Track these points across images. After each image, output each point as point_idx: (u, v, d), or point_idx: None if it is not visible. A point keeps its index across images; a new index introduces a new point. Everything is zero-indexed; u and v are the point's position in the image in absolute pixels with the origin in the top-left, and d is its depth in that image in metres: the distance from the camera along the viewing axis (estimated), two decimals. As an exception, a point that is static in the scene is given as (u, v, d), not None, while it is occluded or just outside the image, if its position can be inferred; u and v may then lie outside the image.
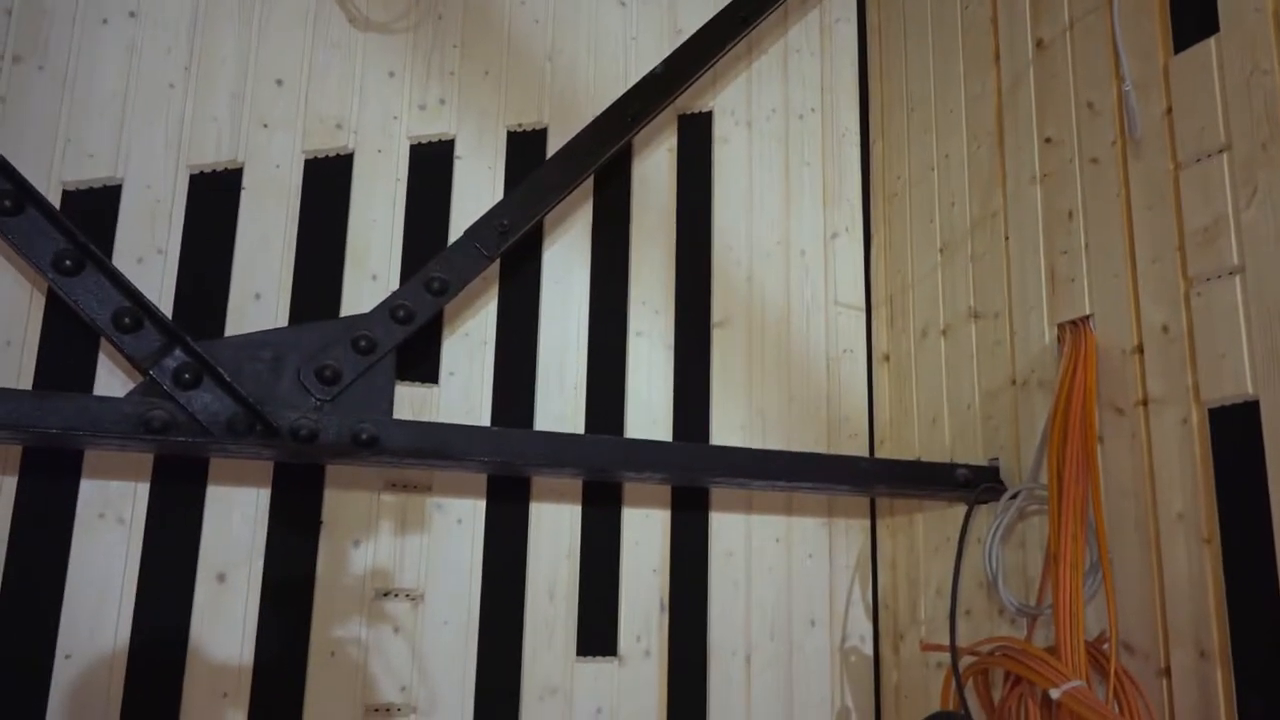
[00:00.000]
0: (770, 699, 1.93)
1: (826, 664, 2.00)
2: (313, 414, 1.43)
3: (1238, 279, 1.41)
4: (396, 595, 1.72)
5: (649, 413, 1.94)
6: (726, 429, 1.99)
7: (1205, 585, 1.39)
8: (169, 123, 1.74)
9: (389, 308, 1.55)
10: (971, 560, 1.77)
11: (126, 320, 1.35)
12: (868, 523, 2.09)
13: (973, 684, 1.64)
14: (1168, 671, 1.43)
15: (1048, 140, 1.79)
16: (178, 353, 1.37)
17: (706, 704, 1.89)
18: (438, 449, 1.47)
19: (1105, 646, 1.46)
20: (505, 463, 1.53)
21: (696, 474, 1.68)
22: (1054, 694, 1.38)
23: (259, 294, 1.73)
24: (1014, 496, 1.60)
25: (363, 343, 1.50)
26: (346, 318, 1.57)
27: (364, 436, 1.43)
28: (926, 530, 1.96)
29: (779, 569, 1.99)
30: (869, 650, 2.04)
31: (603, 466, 1.60)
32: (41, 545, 1.54)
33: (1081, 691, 1.38)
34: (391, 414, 1.50)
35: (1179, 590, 1.42)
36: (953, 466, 1.75)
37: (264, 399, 1.40)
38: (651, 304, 2.00)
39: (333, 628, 1.67)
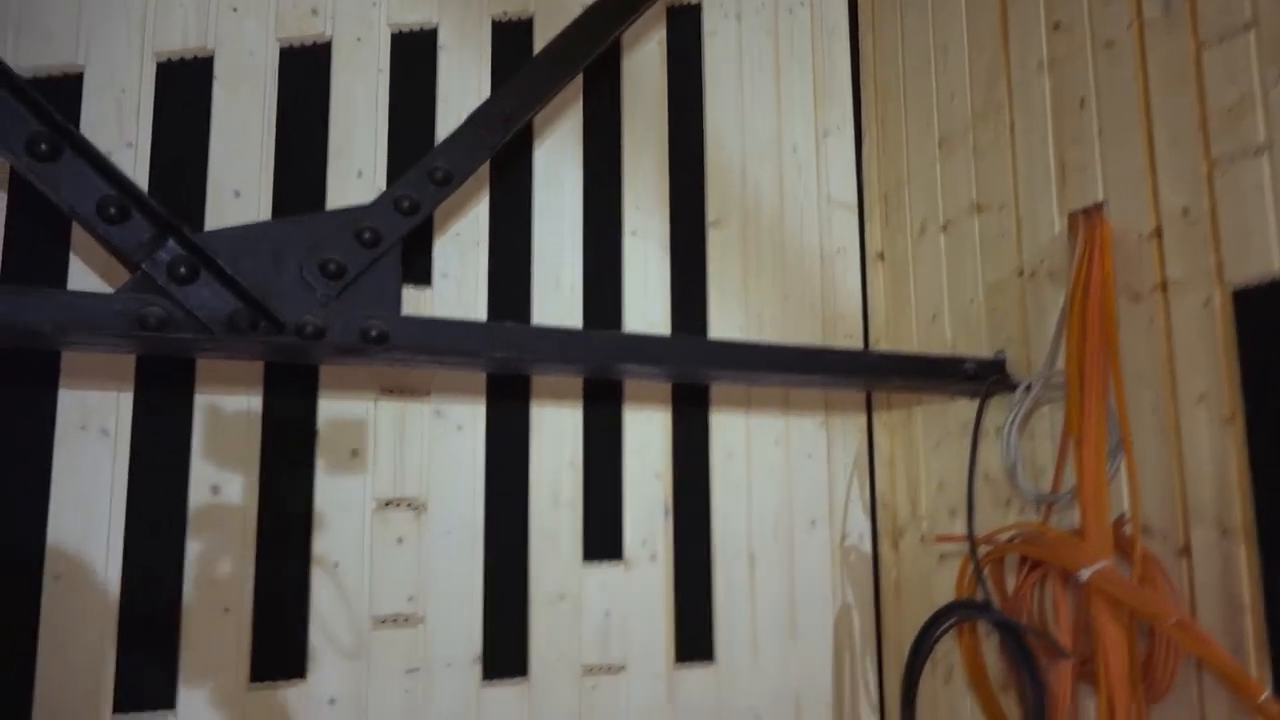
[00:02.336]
0: (774, 599, 1.93)
1: (827, 563, 1.99)
2: (318, 310, 1.34)
3: (1265, 157, 1.40)
4: (398, 505, 1.66)
5: (646, 313, 1.89)
6: (724, 329, 1.95)
7: (1228, 464, 1.40)
8: (130, 6, 1.60)
9: (392, 199, 1.46)
10: (980, 451, 1.77)
11: (112, 210, 1.24)
12: (864, 421, 2.08)
13: (986, 574, 1.64)
14: (1188, 551, 1.44)
15: (1056, 26, 1.75)
16: (171, 244, 1.27)
17: (712, 606, 1.88)
18: (453, 345, 1.39)
19: (1125, 529, 1.47)
20: (518, 360, 1.46)
21: (702, 368, 1.62)
22: (1083, 575, 1.39)
23: (238, 191, 1.63)
24: (1030, 386, 1.59)
25: (366, 235, 1.41)
26: (346, 209, 1.47)
27: (374, 333, 1.35)
28: (925, 427, 1.96)
29: (778, 470, 1.97)
30: (868, 548, 2.04)
31: (611, 360, 1.54)
32: (20, 462, 1.44)
33: (1110, 571, 1.39)
34: (400, 311, 1.42)
35: (1200, 471, 1.43)
36: (959, 360, 1.74)
37: (265, 294, 1.31)
38: (646, 203, 1.93)
39: (334, 539, 1.61)
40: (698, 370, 1.65)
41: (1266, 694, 1.23)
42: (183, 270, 1.26)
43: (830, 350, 1.78)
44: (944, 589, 1.88)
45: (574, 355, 1.52)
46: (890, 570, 2.02)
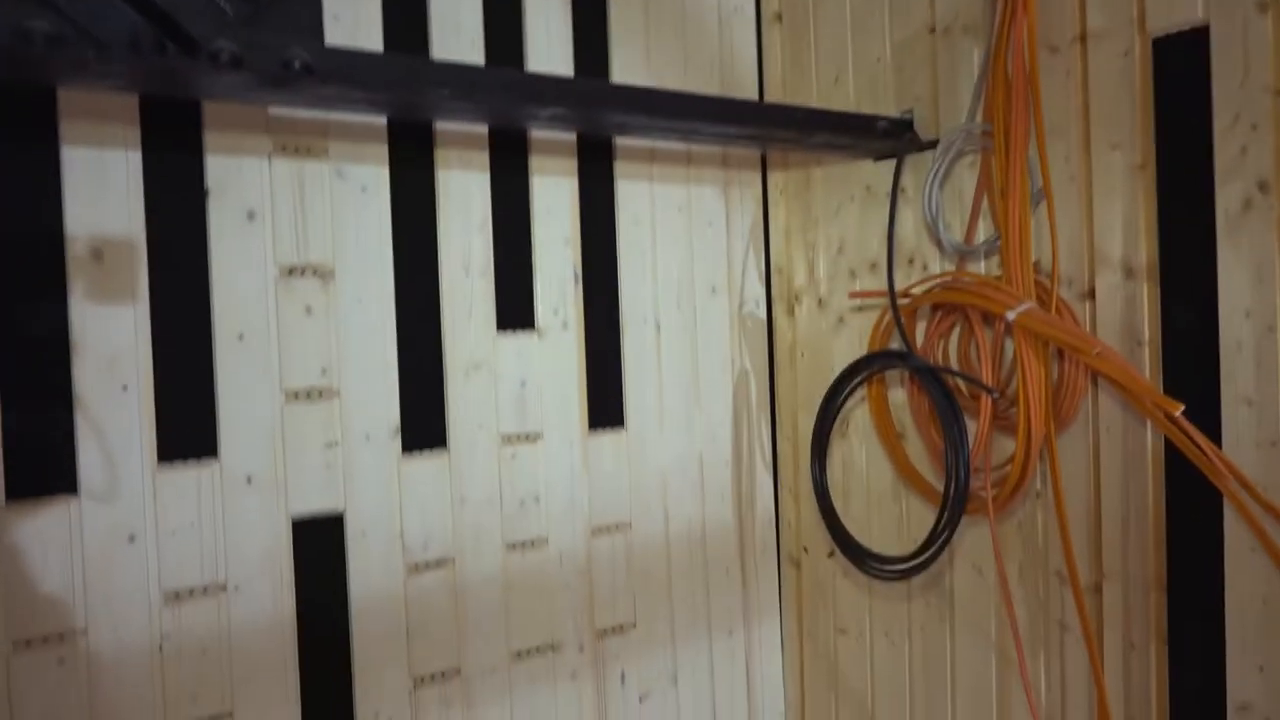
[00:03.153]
0: (678, 363, 1.94)
1: (726, 330, 2.02)
2: (231, 34, 1.16)
3: (1193, -97, 1.42)
4: (303, 272, 1.53)
5: (549, 66, 1.77)
6: (629, 91, 1.86)
7: (1137, 209, 1.49)
8: None
9: (302, -89, 1.26)
10: (882, 213, 1.81)
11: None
12: (760, 192, 2.07)
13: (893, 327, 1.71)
14: (1092, 294, 1.54)
15: None
16: (50, -54, 1.05)
17: (622, 371, 1.87)
18: (397, 80, 1.25)
19: (1040, 277, 1.55)
20: (464, 100, 1.33)
21: (606, 112, 1.50)
22: (1010, 316, 1.46)
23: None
24: (953, 141, 1.61)
25: (278, -50, 1.22)
26: (247, -80, 1.26)
27: (297, 64, 1.19)
28: (824, 193, 1.97)
29: (681, 238, 1.95)
30: (763, 314, 2.08)
31: (529, 99, 1.41)
32: None
33: (1035, 311, 1.46)
34: (323, 41, 1.26)
35: (1109, 216, 1.51)
36: (872, 118, 1.74)
37: (175, 9, 1.11)
38: (547, -54, 1.77)
39: (236, 309, 1.47)
40: (601, 115, 1.52)
41: (1181, 409, 1.35)
42: (67, -22, 1.05)
43: (740, 102, 1.73)
44: (840, 351, 1.95)
45: (499, 92, 1.39)
46: (785, 335, 2.08)
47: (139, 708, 1.38)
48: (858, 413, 1.91)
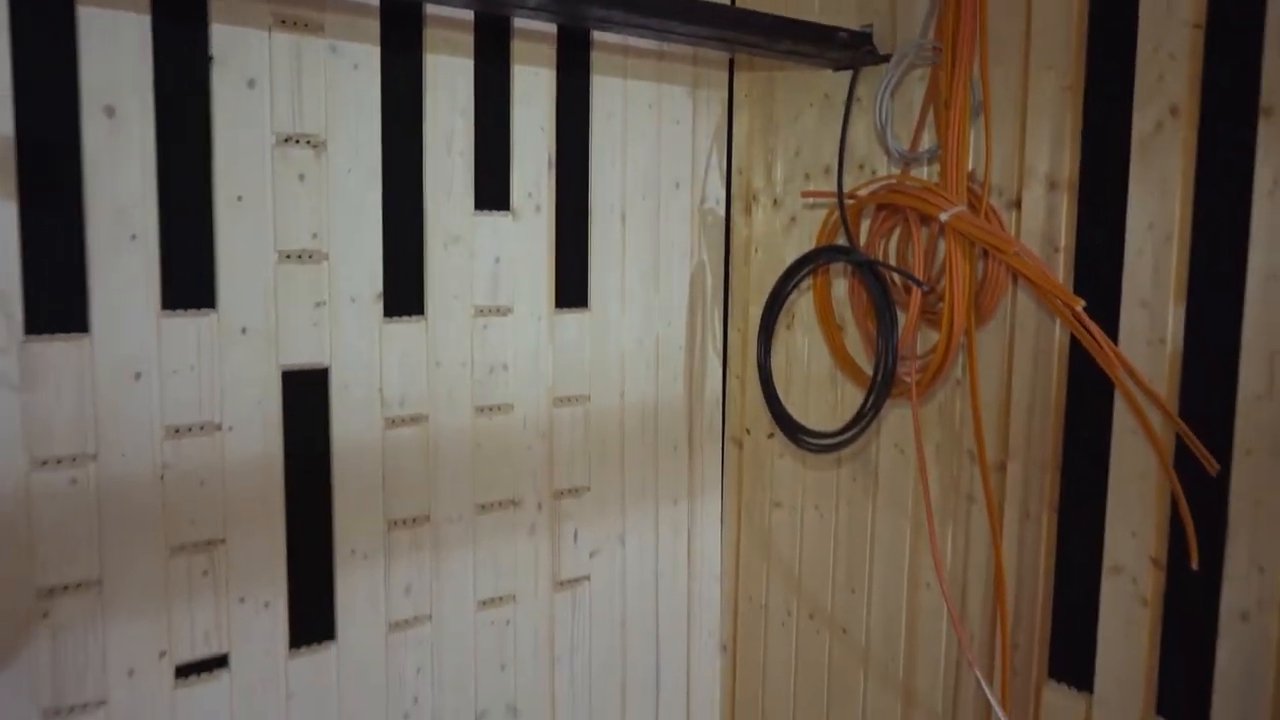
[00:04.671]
0: (642, 250, 2.09)
1: (687, 224, 2.16)
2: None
3: None
4: (298, 141, 1.64)
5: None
6: None
7: (1064, 125, 1.64)
8: None
9: None
10: (838, 120, 1.95)
11: None
12: (725, 95, 2.20)
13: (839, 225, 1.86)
14: (1019, 203, 1.70)
15: None
16: None
17: (589, 255, 2.02)
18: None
19: (973, 184, 1.71)
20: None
21: (585, 6, 1.58)
22: (943, 216, 1.62)
23: None
24: (905, 55, 1.75)
25: None
26: None
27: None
28: (785, 102, 2.11)
29: (650, 133, 2.08)
30: (722, 211, 2.23)
31: None
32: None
33: (965, 214, 1.63)
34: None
35: (1039, 133, 1.67)
36: (834, 29, 1.86)
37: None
38: None
39: (236, 172, 1.59)
40: (583, 8, 1.60)
41: (1082, 305, 1.53)
42: None
43: (712, 4, 1.84)
44: (792, 249, 2.10)
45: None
46: (741, 232, 2.23)
47: (142, 528, 1.53)
48: (802, 306, 2.08)
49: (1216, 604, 1.51)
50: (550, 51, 1.91)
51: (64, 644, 1.47)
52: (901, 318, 1.74)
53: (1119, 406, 1.60)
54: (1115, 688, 1.64)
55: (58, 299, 1.44)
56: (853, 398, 2.00)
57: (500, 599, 1.95)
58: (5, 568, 1.42)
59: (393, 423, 1.78)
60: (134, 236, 1.49)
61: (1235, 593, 1.49)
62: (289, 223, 1.64)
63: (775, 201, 2.14)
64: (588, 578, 2.08)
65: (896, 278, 1.78)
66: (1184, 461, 1.53)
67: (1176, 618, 1.57)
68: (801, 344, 2.10)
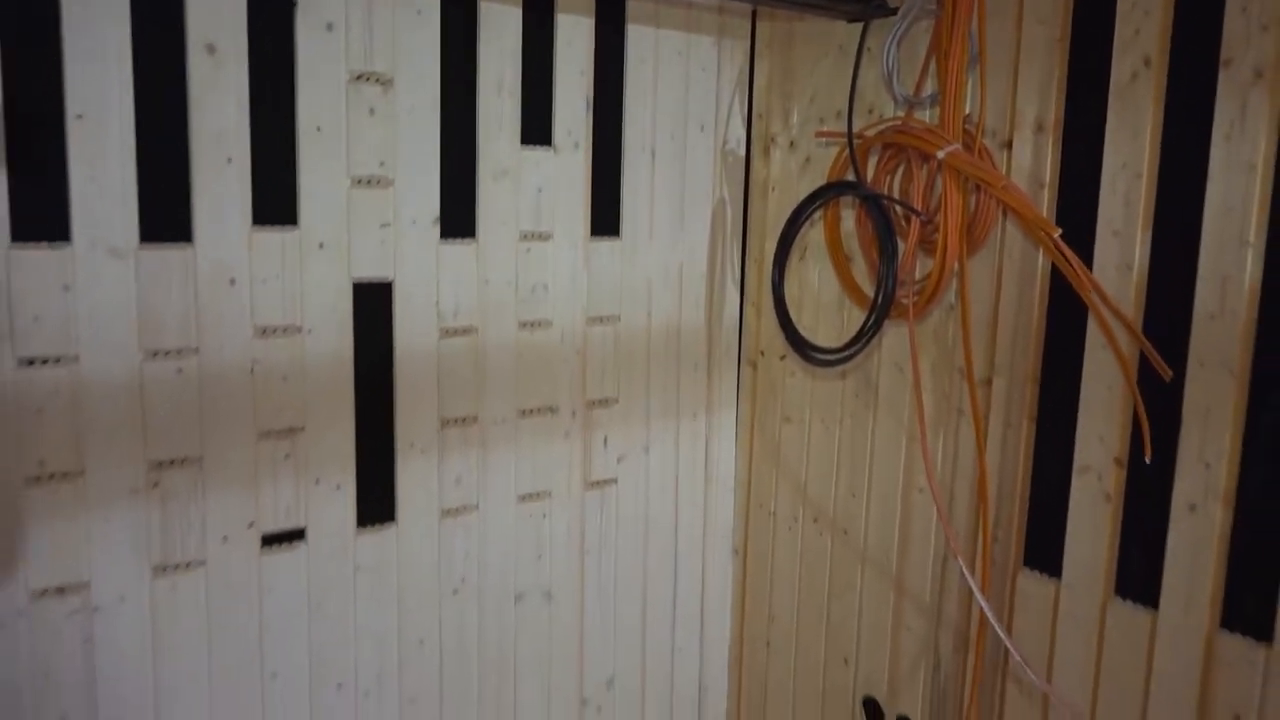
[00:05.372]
0: (669, 186, 2.30)
1: (710, 163, 2.37)
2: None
3: None
4: (369, 79, 1.85)
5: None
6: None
7: (1051, 73, 1.84)
8: None
9: None
10: (850, 70, 2.14)
11: None
12: (748, 46, 2.39)
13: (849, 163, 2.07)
14: (1010, 144, 1.91)
15: None
16: None
17: (621, 189, 2.23)
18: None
19: (968, 125, 1.91)
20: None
21: None
22: (940, 154, 1.83)
23: None
24: (910, 9, 1.94)
25: None
26: None
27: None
28: (804, 50, 2.30)
29: (679, 79, 2.28)
30: (742, 153, 2.43)
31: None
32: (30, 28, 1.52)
33: (959, 151, 1.83)
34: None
35: (1029, 81, 1.87)
36: (848, -14, 2.05)
37: None
38: None
39: (316, 105, 1.80)
40: None
41: (1059, 232, 1.74)
42: None
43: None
44: (805, 188, 2.31)
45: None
46: (760, 172, 2.43)
47: (236, 414, 1.77)
48: (813, 238, 2.29)
49: (1169, 497, 1.73)
50: (590, 2, 2.11)
51: (171, 511, 1.72)
52: (902, 246, 1.95)
53: (1091, 325, 1.81)
54: (1080, 573, 1.87)
55: (167, 212, 1.66)
56: (858, 321, 2.22)
57: (538, 495, 2.19)
58: (123, 442, 1.66)
59: (447, 333, 2.00)
60: (230, 160, 1.71)
61: (1185, 486, 1.71)
62: (360, 151, 1.85)
63: (791, 144, 2.35)
64: (615, 480, 2.32)
65: (898, 210, 1.99)
66: (1145, 373, 1.74)
67: (1134, 510, 1.80)
68: (812, 273, 2.32)
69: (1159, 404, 1.73)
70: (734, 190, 2.43)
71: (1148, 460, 1.73)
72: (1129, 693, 1.80)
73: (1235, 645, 1.67)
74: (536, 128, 2.08)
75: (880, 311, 1.95)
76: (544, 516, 2.21)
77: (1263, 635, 1.64)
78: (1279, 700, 1.62)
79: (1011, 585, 1.98)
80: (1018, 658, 1.93)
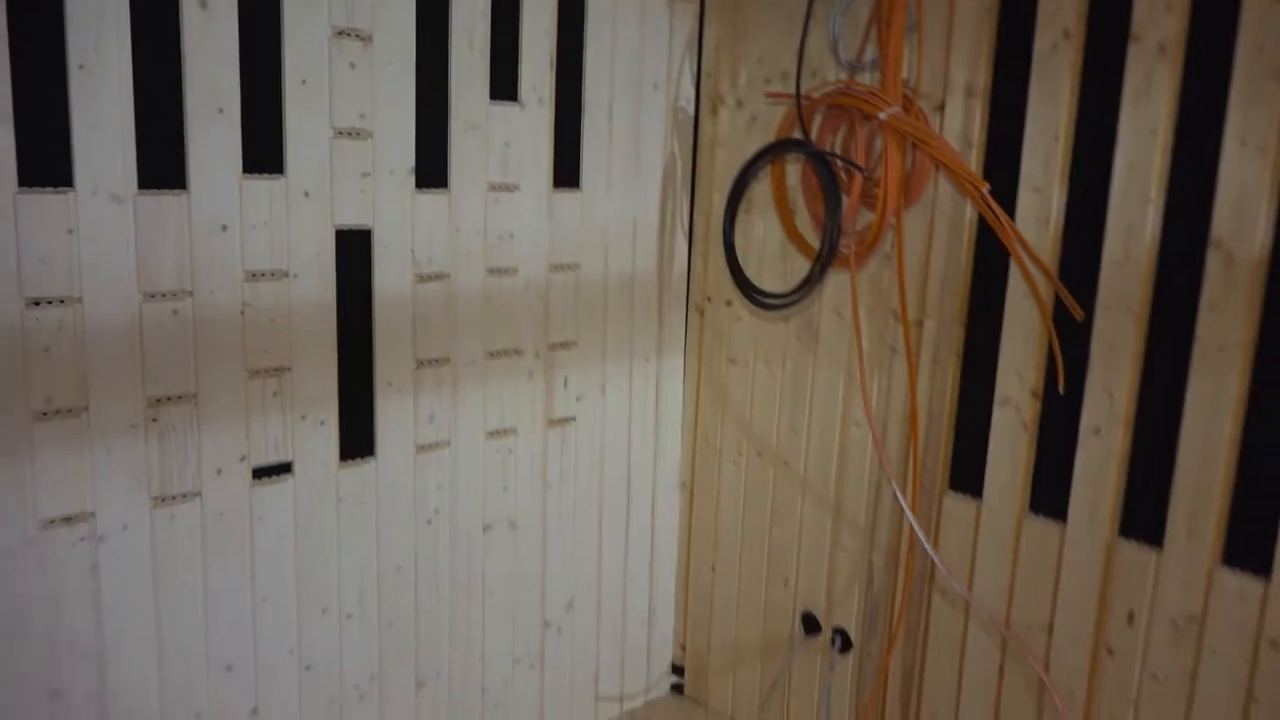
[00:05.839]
0: (625, 142, 2.44)
1: (662, 120, 2.52)
2: None
3: None
4: (350, 34, 1.94)
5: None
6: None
7: (981, 42, 2.03)
8: None
9: None
10: (796, 34, 2.30)
11: None
12: (699, 9, 2.53)
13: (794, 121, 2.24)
14: (943, 108, 2.10)
15: None
16: None
17: (581, 144, 2.36)
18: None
19: (906, 90, 2.09)
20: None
21: None
22: (882, 115, 2.01)
23: None
24: (854, -22, 2.11)
25: None
26: None
27: None
28: (752, 13, 2.45)
29: (635, 41, 2.41)
30: (692, 111, 2.58)
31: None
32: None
33: (899, 114, 2.01)
34: None
35: (960, 49, 2.05)
36: (795, -44, 2.21)
37: None
38: None
39: (301, 59, 1.89)
40: None
41: (988, 188, 1.94)
42: None
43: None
44: (751, 144, 2.47)
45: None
46: (708, 129, 2.59)
47: (227, 353, 1.86)
48: (758, 193, 2.46)
49: (1077, 423, 1.97)
50: (553, -36, 2.22)
51: (168, 445, 1.82)
52: (845, 200, 2.13)
53: (1012, 272, 2.02)
54: (999, 494, 2.10)
55: (163, 160, 1.74)
56: (800, 269, 2.40)
57: (504, 431, 2.33)
58: (124, 380, 1.75)
59: (421, 278, 2.12)
60: (221, 110, 1.80)
61: (1091, 413, 1.94)
62: (341, 104, 1.95)
63: (739, 103, 2.50)
64: (574, 418, 2.48)
65: (842, 166, 2.17)
66: (1060, 314, 1.96)
67: (1047, 436, 2.03)
68: (757, 225, 2.49)
69: (1071, 342, 1.95)
70: (684, 147, 2.58)
71: (1061, 391, 1.96)
72: (1040, 596, 2.05)
73: (1132, 551, 1.92)
74: (504, 84, 2.20)
75: (825, 259, 2.13)
76: (510, 452, 2.35)
77: (1155, 541, 1.89)
78: (1167, 597, 1.88)
79: (938, 507, 2.21)
80: (943, 570, 2.16)
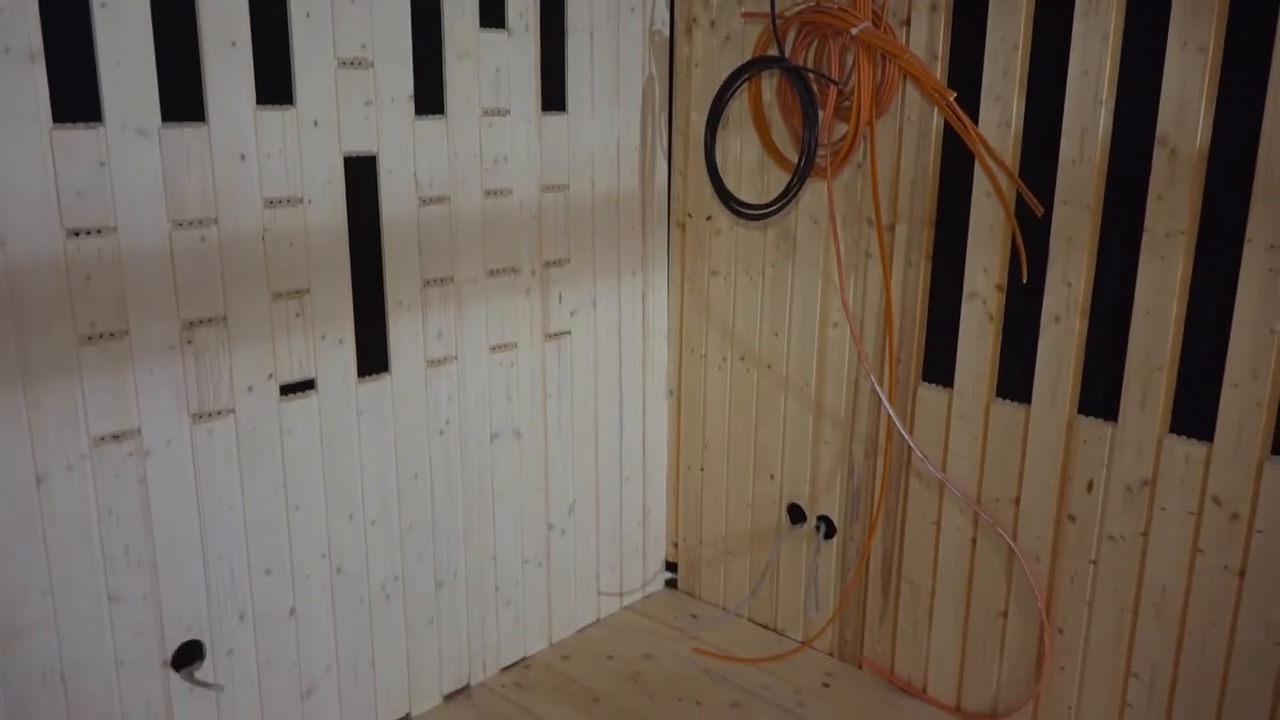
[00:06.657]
0: (606, 65, 2.55)
1: (640, 43, 2.63)
2: None
3: None
4: (347, -33, 2.02)
5: None
6: None
7: (943, -38, 2.16)
8: None
9: None
10: (767, -45, 2.42)
11: None
12: (670, -69, 2.63)
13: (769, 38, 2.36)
14: (909, 22, 2.23)
15: None
16: None
17: (566, 68, 2.47)
18: None
19: (875, 6, 2.23)
20: None
21: None
22: (854, 31, 2.14)
23: None
24: (824, -99, 2.22)
25: None
26: None
27: None
28: (721, -64, 2.56)
29: (611, -35, 2.51)
30: (667, 33, 2.69)
31: None
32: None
33: (870, 29, 2.15)
34: None
35: (925, -34, 2.19)
36: (765, -121, 2.31)
37: None
38: None
39: (303, -8, 1.97)
40: None
41: (954, 96, 2.09)
42: None
43: None
44: (725, 64, 2.59)
45: None
46: (683, 50, 2.70)
47: (251, 274, 1.98)
48: (735, 110, 2.59)
49: (1039, 313, 2.15)
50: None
51: (203, 365, 1.94)
52: (821, 113, 2.27)
53: (977, 174, 2.19)
54: (969, 381, 2.29)
55: (183, 93, 1.84)
56: (777, 181, 2.55)
57: (506, 345, 2.47)
58: (159, 304, 1.86)
59: (424, 202, 2.24)
60: (234, 44, 1.88)
61: (1052, 301, 2.13)
62: (344, 35, 2.04)
63: (712, 24, 2.62)
64: (569, 332, 2.62)
65: (816, 80, 2.30)
66: (1021, 211, 2.14)
67: (1012, 326, 2.22)
68: (734, 141, 2.62)
69: (1032, 236, 2.13)
70: (661, 68, 2.70)
71: (1024, 281, 2.14)
72: (1008, 472, 2.26)
73: (1090, 426, 2.12)
74: (493, 13, 2.29)
75: (804, 170, 2.28)
76: (511, 365, 2.50)
77: (1110, 416, 2.09)
78: (1121, 466, 2.09)
79: (913, 397, 2.40)
80: (919, 455, 2.36)
